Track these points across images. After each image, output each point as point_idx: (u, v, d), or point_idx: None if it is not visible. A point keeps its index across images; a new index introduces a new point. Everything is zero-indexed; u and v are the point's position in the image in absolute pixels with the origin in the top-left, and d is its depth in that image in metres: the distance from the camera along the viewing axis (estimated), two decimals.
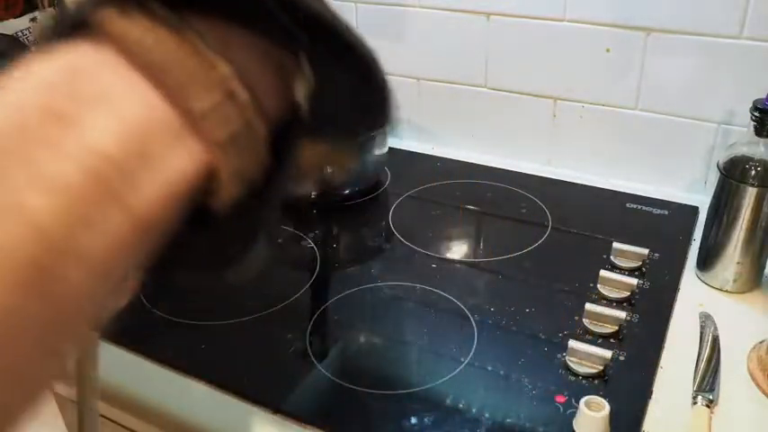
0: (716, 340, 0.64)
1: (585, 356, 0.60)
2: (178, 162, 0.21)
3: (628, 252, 0.74)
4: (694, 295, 0.71)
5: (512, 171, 0.97)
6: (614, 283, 0.69)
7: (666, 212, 0.85)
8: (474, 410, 0.57)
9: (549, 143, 0.97)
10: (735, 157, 0.69)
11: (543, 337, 0.65)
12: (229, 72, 0.22)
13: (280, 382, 0.60)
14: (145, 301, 0.71)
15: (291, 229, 0.85)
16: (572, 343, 0.61)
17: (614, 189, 0.91)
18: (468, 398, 0.58)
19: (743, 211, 0.68)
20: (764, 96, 0.65)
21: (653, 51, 0.85)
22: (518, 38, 0.93)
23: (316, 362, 0.62)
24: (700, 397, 0.57)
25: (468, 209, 0.89)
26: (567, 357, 0.61)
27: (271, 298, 0.71)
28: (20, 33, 1.12)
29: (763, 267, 0.71)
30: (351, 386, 0.59)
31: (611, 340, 0.64)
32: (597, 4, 0.86)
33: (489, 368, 0.61)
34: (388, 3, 1.00)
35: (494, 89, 0.98)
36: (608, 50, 0.88)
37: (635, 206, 0.86)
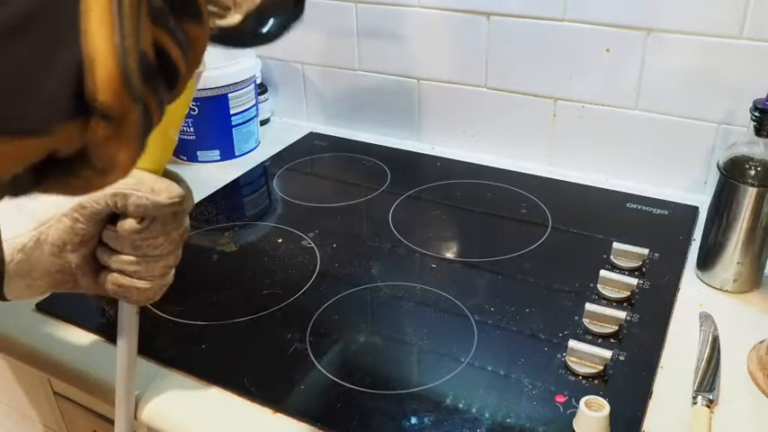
0: (716, 340, 0.64)
1: (585, 356, 0.60)
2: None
3: (628, 252, 0.74)
4: (694, 295, 0.71)
5: (512, 171, 0.97)
6: (614, 283, 0.69)
7: (666, 212, 0.85)
8: (474, 410, 0.57)
9: (549, 143, 0.97)
10: (735, 157, 0.69)
11: (543, 337, 0.65)
12: None
13: (280, 382, 0.60)
14: None
15: (291, 229, 0.85)
16: (572, 343, 0.61)
17: (614, 189, 0.91)
18: (468, 398, 0.58)
19: (743, 211, 0.68)
20: (764, 96, 0.65)
21: (653, 51, 0.85)
22: (518, 38, 0.93)
23: (316, 362, 0.62)
24: (700, 397, 0.57)
25: (468, 209, 0.89)
26: (567, 357, 0.61)
27: (271, 298, 0.71)
28: None
29: (763, 267, 0.71)
30: (351, 386, 0.59)
31: (611, 340, 0.64)
32: (597, 4, 0.86)
33: (489, 368, 0.61)
34: (387, 3, 1.00)
35: (494, 89, 0.98)
36: (608, 50, 0.88)
37: (635, 206, 0.87)
